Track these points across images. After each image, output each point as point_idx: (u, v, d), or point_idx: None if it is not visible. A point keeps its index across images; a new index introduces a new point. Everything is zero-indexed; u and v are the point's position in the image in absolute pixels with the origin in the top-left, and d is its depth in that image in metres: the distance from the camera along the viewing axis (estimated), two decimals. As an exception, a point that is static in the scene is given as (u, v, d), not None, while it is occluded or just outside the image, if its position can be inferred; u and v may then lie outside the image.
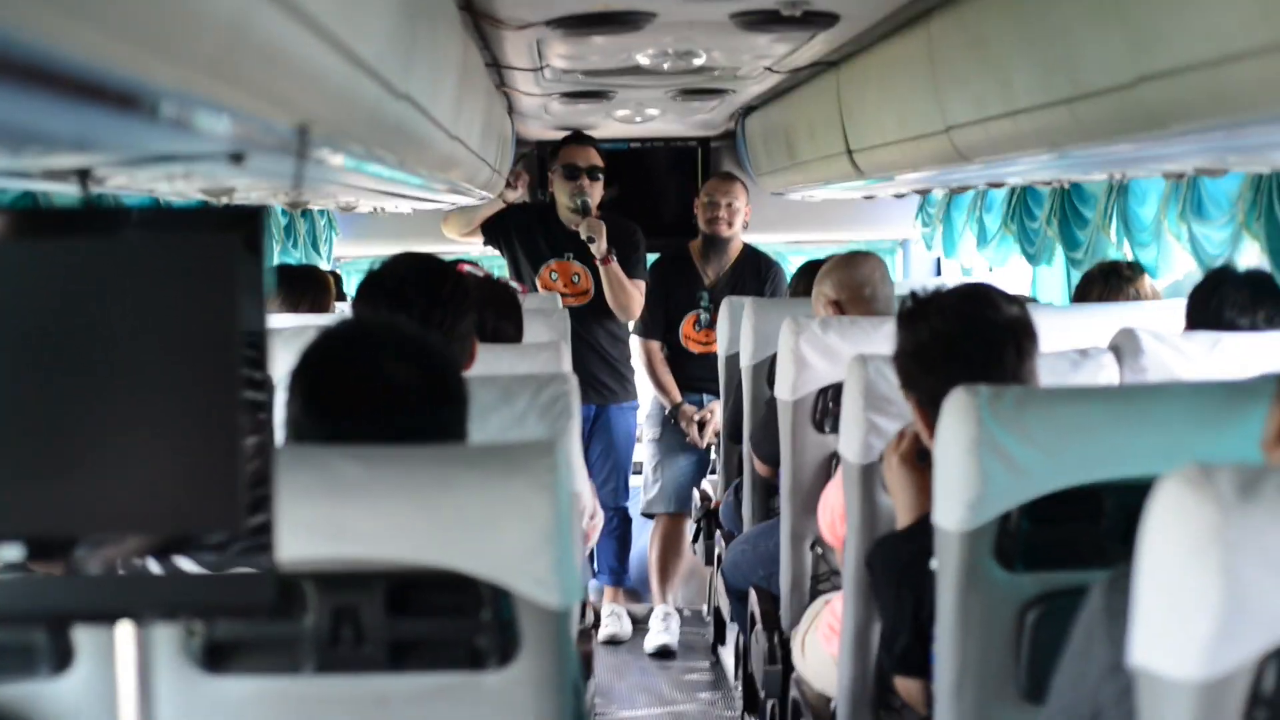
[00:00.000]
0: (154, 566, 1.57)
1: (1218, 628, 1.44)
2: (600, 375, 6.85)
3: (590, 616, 6.91)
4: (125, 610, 1.62)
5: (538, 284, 6.83)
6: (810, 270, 5.53)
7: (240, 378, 1.52)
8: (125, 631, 1.75)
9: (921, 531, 2.68)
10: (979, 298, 2.81)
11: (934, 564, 2.52)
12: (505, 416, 2.88)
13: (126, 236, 1.51)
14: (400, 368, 2.19)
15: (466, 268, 4.40)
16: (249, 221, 1.49)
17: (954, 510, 2.40)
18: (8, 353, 1.46)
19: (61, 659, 1.93)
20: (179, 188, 2.75)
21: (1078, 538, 2.41)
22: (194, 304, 1.50)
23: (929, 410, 2.76)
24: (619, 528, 6.99)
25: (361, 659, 1.95)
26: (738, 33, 3.83)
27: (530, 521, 1.90)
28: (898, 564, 2.84)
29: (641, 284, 6.81)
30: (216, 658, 1.96)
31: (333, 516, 1.91)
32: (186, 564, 1.58)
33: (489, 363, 3.43)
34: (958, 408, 2.38)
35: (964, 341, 2.75)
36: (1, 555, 1.54)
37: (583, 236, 6.62)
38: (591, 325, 6.80)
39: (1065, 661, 2.01)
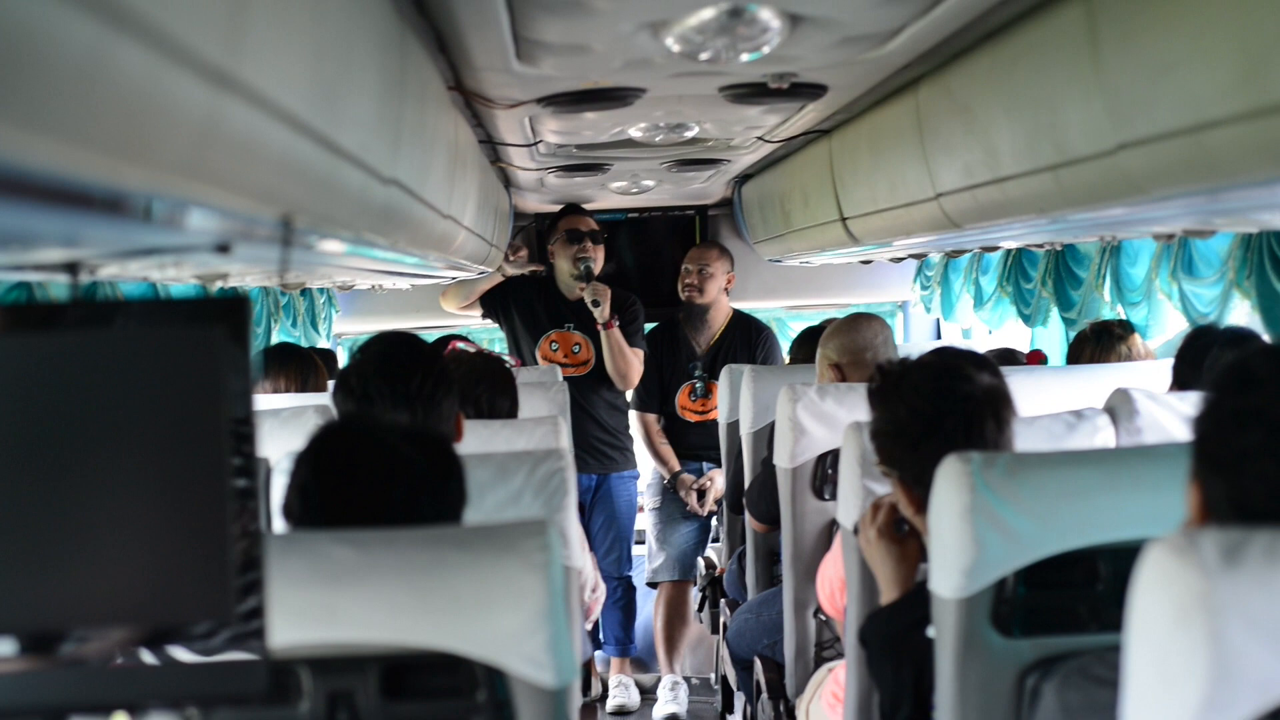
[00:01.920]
0: (147, 656, 1.57)
1: (1207, 694, 1.44)
2: (601, 445, 6.87)
3: (597, 687, 6.91)
4: (120, 701, 1.62)
5: (538, 355, 6.84)
6: (809, 337, 5.57)
7: (227, 466, 1.52)
8: (118, 722, 1.75)
9: (911, 602, 2.69)
10: (953, 371, 2.80)
11: (931, 631, 2.52)
12: (501, 494, 2.88)
13: (112, 330, 1.52)
14: (408, 447, 2.22)
15: (459, 345, 4.41)
16: (234, 312, 1.50)
17: (950, 577, 2.40)
18: (-8, 447, 1.47)
19: (56, 752, 1.92)
20: (173, 274, 2.77)
21: (1074, 602, 2.40)
22: (180, 394, 1.51)
23: (911, 486, 2.76)
24: (623, 597, 6.97)
25: (358, 743, 1.95)
26: (728, 105, 3.86)
27: (523, 601, 1.91)
28: (891, 636, 2.83)
29: (641, 353, 6.83)
30: (212, 746, 1.96)
31: (325, 601, 1.91)
32: (179, 653, 1.58)
33: (485, 439, 3.43)
34: (951, 476, 2.38)
35: (944, 418, 2.74)
36: (-11, 650, 1.54)
37: (587, 300, 6.66)
38: (592, 395, 6.83)
39: None
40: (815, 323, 5.81)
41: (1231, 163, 2.01)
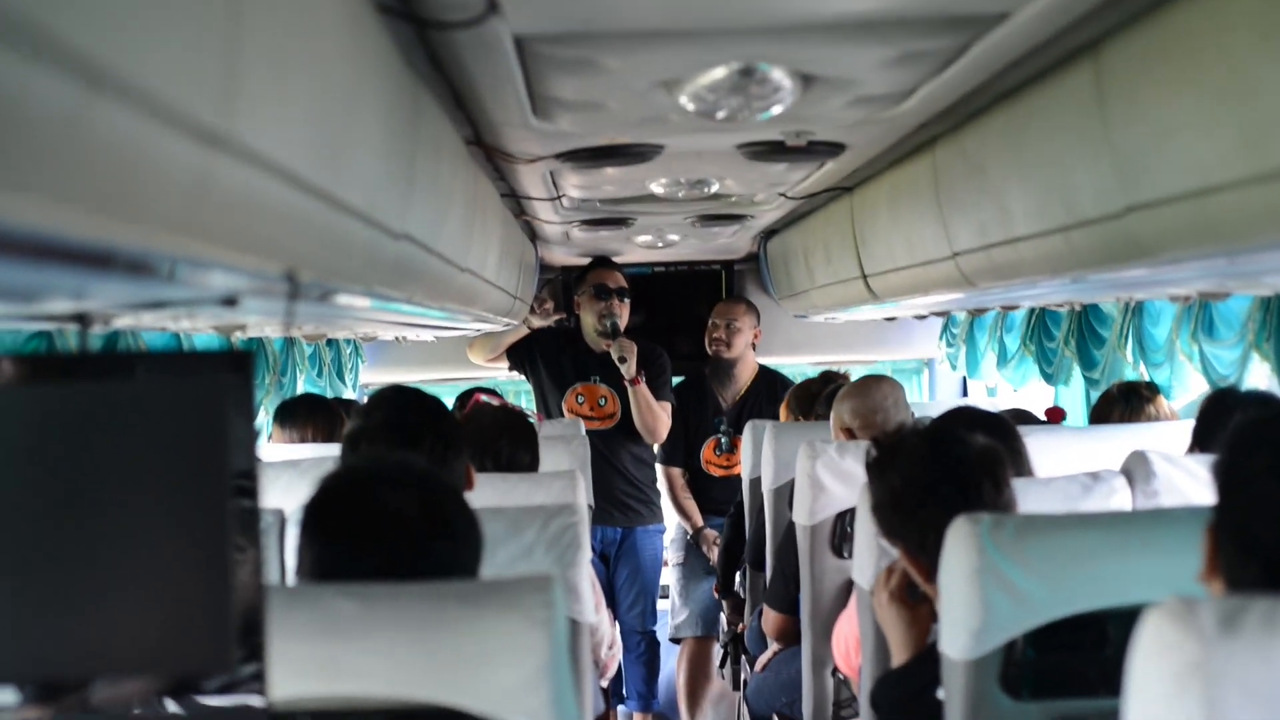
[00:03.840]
0: (146, 708, 1.57)
1: (1204, 763, 1.43)
2: (626, 498, 6.85)
3: (619, 742, 6.89)
4: (118, 752, 1.62)
5: (564, 408, 6.84)
6: (802, 391, 5.60)
7: (231, 518, 1.53)
8: (121, 773, 1.76)
9: (921, 666, 2.67)
10: (945, 436, 2.79)
11: (941, 694, 2.51)
12: (514, 549, 2.88)
13: (118, 381, 1.54)
14: (398, 499, 2.21)
15: (483, 397, 4.42)
16: (240, 364, 1.52)
17: (959, 639, 2.39)
18: (-6, 499, 1.48)
19: (61, 803, 1.93)
20: (187, 325, 2.79)
21: (1084, 665, 2.39)
22: (184, 446, 1.52)
23: (917, 555, 2.75)
24: (647, 652, 6.94)
25: (360, 798, 1.95)
26: (747, 162, 3.87)
27: (526, 657, 1.90)
28: (901, 700, 2.82)
29: (669, 406, 6.83)
30: (215, 799, 1.95)
31: (328, 654, 1.92)
32: (178, 706, 1.58)
33: (504, 492, 3.43)
34: (960, 537, 2.38)
35: (939, 484, 2.73)
36: (-7, 700, 1.55)
37: (614, 357, 6.66)
38: (618, 449, 6.82)
39: None
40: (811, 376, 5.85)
41: (1237, 227, 2.01)
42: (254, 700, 1.57)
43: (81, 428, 1.51)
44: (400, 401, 3.06)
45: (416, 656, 1.91)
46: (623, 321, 6.81)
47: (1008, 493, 2.77)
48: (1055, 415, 5.06)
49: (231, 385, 1.51)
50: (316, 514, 2.24)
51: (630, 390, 6.70)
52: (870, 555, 3.23)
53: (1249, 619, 1.46)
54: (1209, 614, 1.46)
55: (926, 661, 2.62)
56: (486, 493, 3.28)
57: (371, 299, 2.63)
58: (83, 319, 1.68)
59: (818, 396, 5.65)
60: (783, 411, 5.91)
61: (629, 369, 6.66)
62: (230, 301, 1.71)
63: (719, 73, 2.62)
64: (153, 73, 1.05)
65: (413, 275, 2.74)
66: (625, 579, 6.84)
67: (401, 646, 1.92)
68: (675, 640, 6.99)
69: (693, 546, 6.93)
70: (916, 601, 2.88)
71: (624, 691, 6.98)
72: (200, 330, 3.11)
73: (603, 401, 6.81)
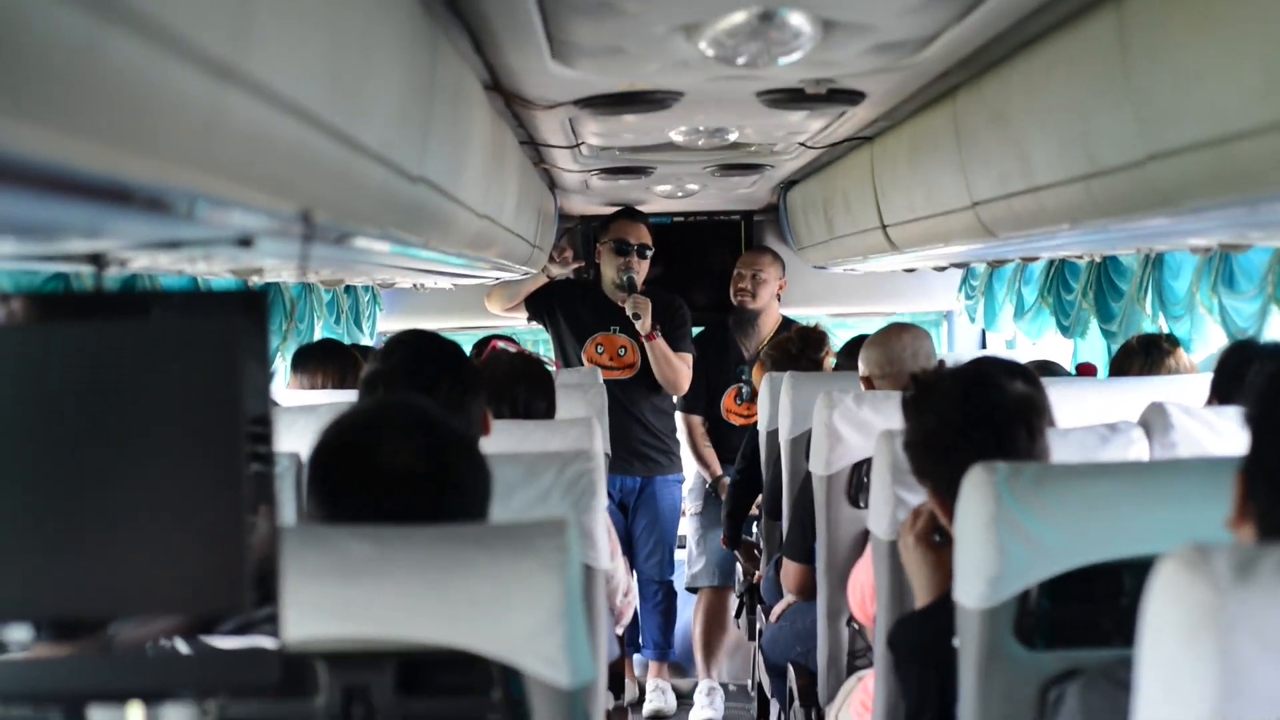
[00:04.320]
0: (161, 647, 1.58)
1: (1216, 711, 1.43)
2: (646, 448, 6.85)
3: (634, 690, 6.91)
4: (133, 690, 1.63)
5: (583, 358, 6.84)
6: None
7: (244, 459, 1.53)
8: (136, 713, 1.76)
9: (941, 610, 2.67)
10: (984, 380, 2.79)
11: (956, 642, 2.51)
12: (530, 494, 2.88)
13: (133, 320, 1.54)
14: (400, 453, 2.20)
15: (500, 344, 4.42)
16: (254, 304, 1.51)
17: (974, 588, 2.39)
18: (6, 435, 1.48)
19: (79, 740, 1.94)
20: (204, 269, 2.79)
21: (1099, 615, 2.39)
22: (198, 387, 1.52)
23: (945, 497, 2.75)
24: (664, 601, 6.96)
25: (373, 739, 1.96)
26: (767, 110, 3.85)
27: (540, 601, 1.91)
28: (920, 643, 2.82)
29: (688, 357, 6.83)
30: (229, 737, 1.96)
31: (343, 596, 1.92)
32: (192, 644, 1.59)
33: (519, 439, 3.43)
34: (976, 485, 2.38)
35: (974, 428, 2.73)
36: (10, 636, 1.56)
37: (629, 313, 6.65)
38: (637, 398, 6.81)
39: None
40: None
41: (1258, 174, 1.99)
42: (268, 642, 1.57)
43: (95, 368, 1.51)
44: (417, 345, 3.05)
45: (430, 599, 1.92)
46: (640, 275, 6.80)
47: (1041, 441, 2.77)
48: (1086, 370, 5.05)
49: (245, 327, 1.50)
50: (320, 464, 2.24)
51: (647, 345, 6.70)
52: (886, 505, 3.23)
53: (1264, 567, 1.45)
54: (1223, 561, 1.46)
55: (946, 607, 2.62)
56: (503, 439, 3.28)
57: (388, 243, 2.62)
58: (98, 259, 1.67)
59: (796, 357, 5.67)
60: (756, 370, 5.92)
61: (644, 325, 6.65)
62: (246, 242, 1.70)
63: (738, 17, 2.60)
64: (165, 3, 1.04)
65: (430, 219, 2.73)
66: (644, 528, 6.85)
67: (415, 589, 1.92)
68: (691, 590, 7.00)
69: (711, 496, 6.94)
70: (941, 545, 2.88)
71: (640, 640, 7.00)
72: (216, 274, 3.11)
73: (622, 351, 6.80)
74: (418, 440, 2.23)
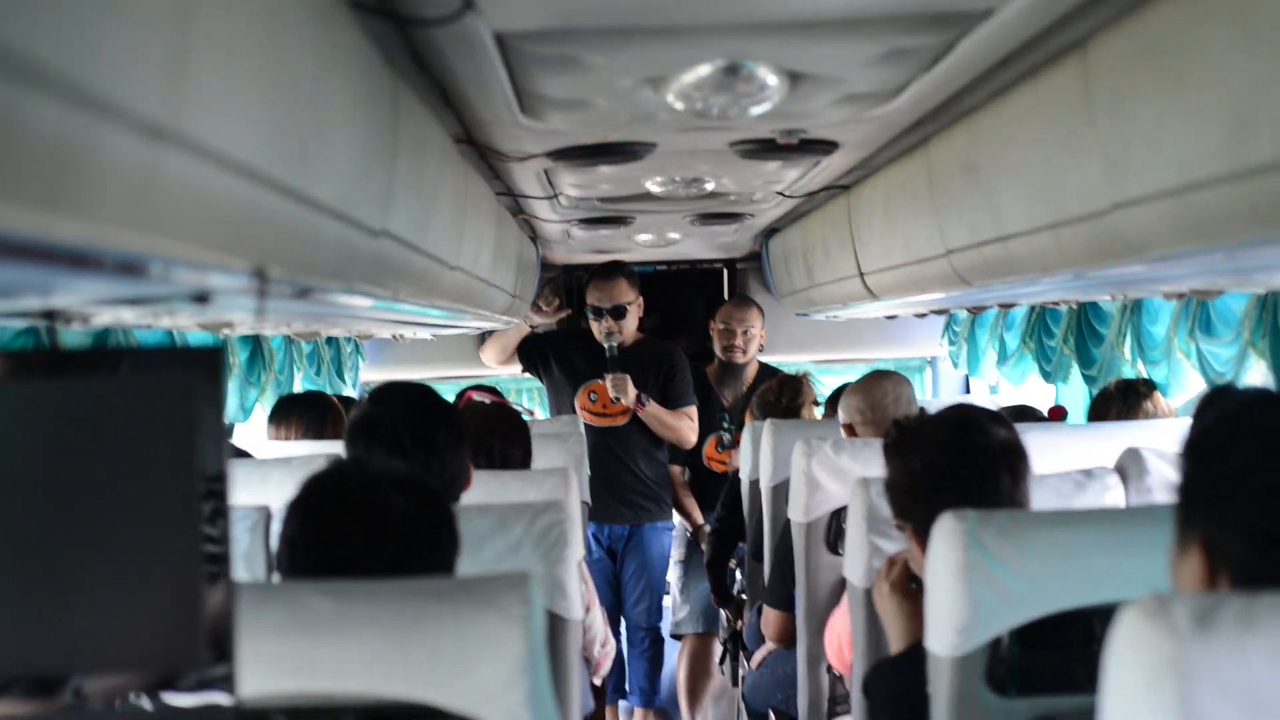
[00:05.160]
0: (113, 704, 1.57)
1: (1178, 761, 1.42)
2: (635, 495, 6.83)
3: (620, 738, 6.88)
4: (86, 748, 1.62)
5: (576, 405, 6.82)
6: (762, 400, 5.70)
7: (199, 513, 1.52)
8: (94, 770, 1.75)
9: (915, 657, 2.66)
10: (969, 424, 2.81)
11: (930, 689, 2.50)
12: (500, 546, 2.87)
13: (86, 377, 1.53)
14: (399, 498, 2.22)
15: (474, 395, 4.41)
16: (207, 360, 1.51)
17: (944, 635, 2.39)
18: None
19: (39, 799, 1.92)
20: (175, 322, 2.78)
21: (1070, 662, 2.38)
22: (153, 442, 1.51)
23: (924, 538, 2.74)
24: (651, 649, 6.93)
25: (336, 796, 1.94)
26: (741, 161, 3.86)
27: (502, 655, 1.89)
28: (894, 690, 2.82)
29: (691, 410, 6.81)
30: (191, 796, 1.95)
31: (304, 651, 1.91)
32: (150, 701, 1.58)
33: (495, 490, 3.42)
34: (946, 533, 2.38)
35: (959, 470, 2.75)
36: (-34, 696, 1.54)
37: (610, 396, 6.64)
38: (629, 446, 6.79)
39: None
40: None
41: (1221, 223, 2.00)
42: (223, 698, 1.56)
43: (47, 425, 1.50)
44: (410, 396, 3.06)
45: (393, 654, 1.91)
46: (630, 329, 6.76)
47: (1024, 486, 2.78)
48: (1057, 414, 5.06)
49: (201, 380, 1.50)
50: (296, 516, 2.24)
51: (641, 416, 6.70)
52: (862, 552, 3.22)
53: (1223, 616, 1.45)
54: (1183, 611, 1.45)
55: (921, 654, 2.62)
56: (478, 490, 3.28)
57: (355, 296, 2.61)
58: (50, 316, 1.67)
59: (776, 405, 5.70)
60: (747, 419, 5.94)
61: (628, 401, 6.65)
62: (202, 298, 1.70)
63: (704, 70, 2.60)
64: (88, 63, 1.04)
65: (396, 273, 2.72)
66: (632, 574, 6.83)
67: (378, 644, 1.91)
68: (676, 636, 6.98)
69: (693, 544, 6.93)
70: (917, 592, 2.88)
71: (626, 687, 6.97)
72: (186, 328, 3.09)
73: (615, 399, 6.78)
74: (409, 488, 2.25)
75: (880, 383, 4.40)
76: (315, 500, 2.25)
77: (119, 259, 1.34)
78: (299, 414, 4.71)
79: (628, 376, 6.66)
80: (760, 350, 7.19)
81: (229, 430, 5.14)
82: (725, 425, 6.99)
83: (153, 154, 1.20)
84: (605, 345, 6.70)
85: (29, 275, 1.28)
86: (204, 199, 1.40)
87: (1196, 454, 1.70)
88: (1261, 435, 1.64)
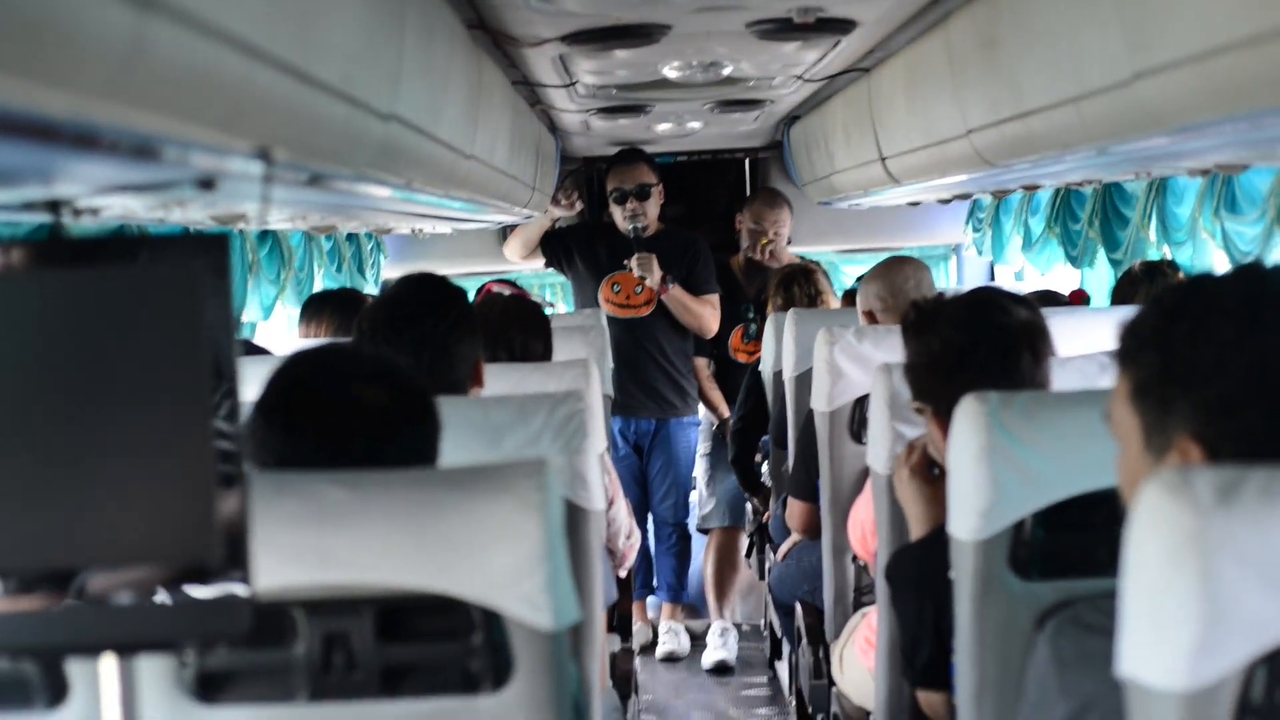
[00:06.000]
0: (133, 597, 1.56)
1: (1201, 636, 1.41)
2: (661, 389, 6.81)
3: (648, 633, 6.92)
4: (103, 643, 1.61)
5: (600, 297, 6.79)
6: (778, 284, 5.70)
7: (209, 405, 1.50)
8: (109, 664, 1.75)
9: (937, 543, 2.65)
10: (989, 303, 2.78)
11: (952, 573, 2.49)
12: (520, 436, 2.85)
13: (93, 267, 1.51)
14: (368, 390, 2.17)
15: (495, 287, 4.39)
16: (214, 249, 1.49)
17: (967, 519, 2.37)
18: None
19: (56, 693, 1.93)
20: (186, 215, 2.75)
21: (1093, 544, 2.36)
22: (161, 333, 1.50)
23: (945, 419, 2.72)
24: (678, 544, 6.95)
25: (354, 686, 1.94)
26: (759, 42, 3.80)
27: (519, 542, 1.88)
28: (916, 576, 2.81)
29: (714, 298, 6.79)
30: (209, 688, 1.95)
31: (319, 542, 1.90)
32: (165, 594, 1.57)
33: (516, 382, 3.41)
34: (967, 415, 2.35)
35: (978, 349, 2.72)
36: (-19, 589, 1.54)
37: (635, 275, 6.60)
38: (653, 337, 6.76)
39: (1023, 716, 1.98)
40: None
41: (1248, 89, 1.95)
42: (240, 590, 1.55)
43: (53, 317, 1.49)
44: (407, 288, 3.03)
45: (408, 543, 1.89)
46: (650, 216, 6.73)
47: (1045, 366, 2.76)
48: (1078, 298, 5.02)
49: (208, 269, 1.48)
50: (278, 400, 2.18)
51: (664, 298, 6.66)
52: (885, 439, 3.20)
53: (1246, 490, 1.43)
54: (1205, 485, 1.43)
55: (943, 539, 2.60)
56: (498, 382, 3.26)
57: (367, 184, 2.57)
58: (54, 206, 1.64)
59: (791, 294, 5.73)
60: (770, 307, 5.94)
61: (653, 281, 6.61)
62: (207, 184, 1.66)
63: (717, -57, 2.55)
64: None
65: (406, 159, 2.68)
66: (659, 471, 6.83)
67: (393, 533, 1.90)
68: (703, 530, 6.98)
69: (719, 436, 6.91)
70: (936, 478, 2.87)
71: (654, 583, 7.00)
72: (199, 223, 3.07)
73: (638, 289, 6.74)
74: (381, 377, 2.20)
75: (900, 268, 4.37)
76: (275, 394, 2.19)
77: (114, 135, 1.31)
78: (330, 311, 4.66)
79: (653, 255, 6.63)
80: (788, 244, 7.15)
81: (247, 327, 5.14)
82: (750, 315, 6.95)
83: (139, 23, 1.16)
84: (630, 228, 6.67)
85: (23, 154, 1.25)
86: (198, 73, 1.36)
87: (1160, 343, 1.66)
88: (1227, 309, 1.62)
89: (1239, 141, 2.56)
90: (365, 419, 2.15)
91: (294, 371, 2.21)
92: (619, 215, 6.74)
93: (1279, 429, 1.60)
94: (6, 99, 1.02)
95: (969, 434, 2.34)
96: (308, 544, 1.90)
